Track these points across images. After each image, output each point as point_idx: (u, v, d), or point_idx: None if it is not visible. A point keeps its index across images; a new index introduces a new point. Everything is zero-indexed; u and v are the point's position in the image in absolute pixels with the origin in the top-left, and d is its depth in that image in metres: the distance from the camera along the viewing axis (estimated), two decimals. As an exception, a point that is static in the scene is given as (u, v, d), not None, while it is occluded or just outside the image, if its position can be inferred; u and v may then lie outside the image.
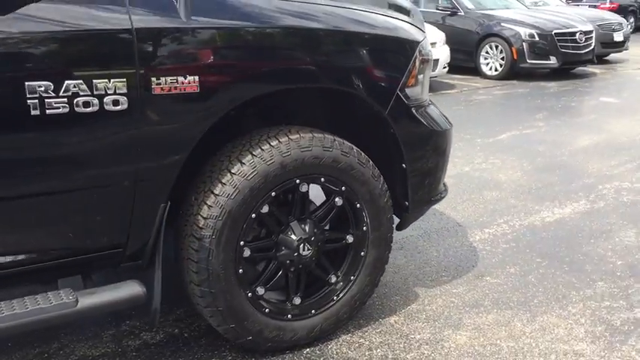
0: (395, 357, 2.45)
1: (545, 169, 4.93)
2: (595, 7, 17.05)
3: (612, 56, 12.44)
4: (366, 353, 2.47)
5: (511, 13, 10.40)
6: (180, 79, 1.98)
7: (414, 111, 2.57)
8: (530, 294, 2.95)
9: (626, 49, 12.31)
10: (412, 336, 2.60)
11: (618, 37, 11.76)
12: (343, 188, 2.41)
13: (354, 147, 2.41)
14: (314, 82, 2.30)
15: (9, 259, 1.96)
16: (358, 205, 2.47)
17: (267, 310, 2.37)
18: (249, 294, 2.32)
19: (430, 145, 2.67)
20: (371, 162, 2.46)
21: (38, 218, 1.94)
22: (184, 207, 2.24)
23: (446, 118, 2.84)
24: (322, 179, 2.36)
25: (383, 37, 2.46)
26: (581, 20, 10.51)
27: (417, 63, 2.55)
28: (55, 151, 1.89)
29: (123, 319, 2.68)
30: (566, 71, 10.51)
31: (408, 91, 2.52)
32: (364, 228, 2.51)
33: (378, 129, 2.54)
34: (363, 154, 2.44)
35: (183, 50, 2.00)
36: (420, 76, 2.60)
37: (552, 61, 9.81)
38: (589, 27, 10.24)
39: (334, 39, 2.31)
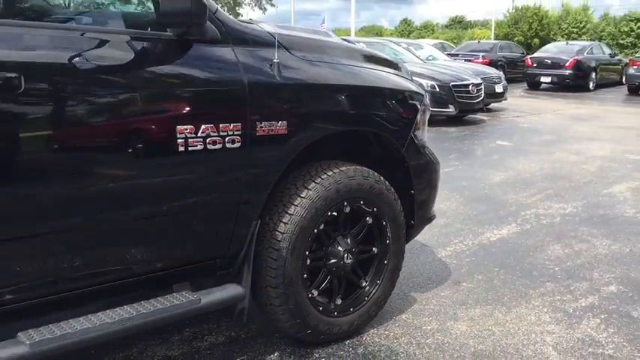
0: (417, 342, 3.10)
1: (475, 200, 5.83)
2: (470, 61, 18.91)
3: (493, 105, 14.00)
4: (394, 341, 3.11)
5: (412, 67, 11.59)
6: (275, 123, 2.59)
7: (420, 148, 3.30)
8: (500, 293, 3.72)
9: (505, 99, 13.92)
10: (424, 327, 3.27)
11: (499, 88, 13.32)
12: (375, 209, 3.07)
13: (381, 177, 3.09)
14: (363, 126, 2.98)
15: (144, 267, 2.44)
16: (384, 223, 3.13)
17: (320, 308, 2.96)
18: (309, 295, 2.90)
19: (430, 175, 3.41)
20: (392, 188, 3.15)
21: (168, 234, 2.45)
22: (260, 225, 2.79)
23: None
24: (361, 202, 3.01)
25: (402, 92, 3.19)
26: (470, 74, 11.90)
27: (422, 111, 3.30)
28: (190, 178, 2.42)
29: (182, 327, 3.15)
30: (460, 118, 11.81)
31: (417, 133, 3.26)
32: (387, 241, 3.18)
33: (395, 162, 3.23)
34: (387, 182, 3.12)
35: (276, 101, 2.62)
36: (422, 122, 3.35)
37: (450, 109, 11.05)
38: (479, 80, 11.63)
39: (374, 94, 3.02)
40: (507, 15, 72.21)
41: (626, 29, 65.66)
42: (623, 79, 21.94)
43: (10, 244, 2.04)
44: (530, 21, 65.04)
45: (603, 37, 64.04)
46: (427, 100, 3.42)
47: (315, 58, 2.85)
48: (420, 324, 3.30)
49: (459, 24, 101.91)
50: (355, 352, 2.99)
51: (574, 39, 59.05)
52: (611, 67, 22.08)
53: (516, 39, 58.15)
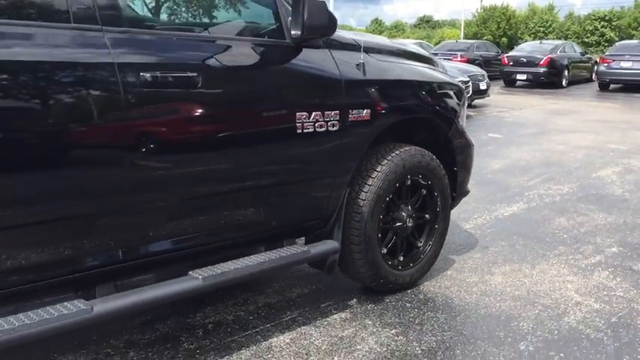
0: (465, 290, 3.80)
1: (482, 184, 6.56)
2: (449, 60, 19.72)
3: (477, 102, 14.82)
4: (446, 290, 3.80)
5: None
6: (361, 111, 3.26)
7: (461, 132, 4.00)
8: (522, 255, 4.44)
9: (488, 96, 14.76)
10: (467, 280, 3.97)
11: (483, 85, 14.14)
12: (429, 182, 3.76)
13: (434, 155, 3.79)
14: (421, 114, 3.67)
15: (267, 226, 3.10)
16: (435, 194, 3.82)
17: (389, 263, 3.64)
18: (381, 251, 3.58)
19: (468, 155, 4.11)
20: (441, 165, 3.84)
21: (285, 199, 3.11)
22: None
23: (469, 138, 4.29)
24: (419, 176, 3.69)
25: (449, 85, 3.89)
26: (458, 72, 12.68)
27: (463, 102, 4.00)
28: (303, 154, 3.09)
29: (271, 283, 3.81)
30: (449, 114, 12.55)
31: (459, 119, 3.96)
32: (437, 209, 3.87)
33: (441, 144, 3.93)
34: (437, 160, 3.81)
35: (363, 93, 3.30)
36: (463, 110, 4.05)
37: (442, 105, 11.78)
38: (467, 78, 12.42)
39: (432, 87, 3.71)
40: (476, 15, 73.77)
41: (590, 28, 67.58)
42: (593, 76, 23.04)
43: (199, 202, 2.69)
44: (499, 20, 66.61)
45: (569, 36, 65.80)
46: (466, 93, 4.12)
47: (385, 59, 3.54)
48: (463, 277, 4.00)
49: (427, 23, 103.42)
50: (417, 297, 3.68)
51: (541, 38, 60.64)
52: (581, 64, 23.16)
53: (485, 38, 59.56)
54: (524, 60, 20.91)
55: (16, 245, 2.23)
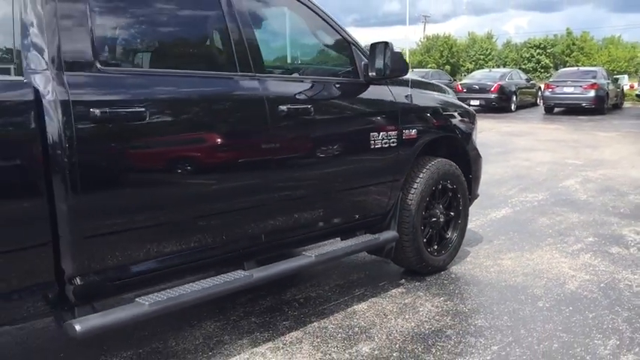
0: (484, 270, 4.83)
1: (470, 195, 7.66)
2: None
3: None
4: (470, 270, 4.83)
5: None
6: (411, 131, 4.30)
7: (475, 146, 5.08)
8: (520, 245, 5.51)
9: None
10: (484, 264, 5.01)
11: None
12: (454, 186, 4.81)
13: (455, 164, 4.84)
14: (449, 132, 4.73)
15: (344, 221, 4.06)
16: (458, 196, 4.87)
17: (428, 250, 4.65)
18: (423, 241, 4.59)
19: (479, 164, 5.19)
20: (462, 173, 4.90)
21: (361, 198, 4.10)
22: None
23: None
24: (448, 182, 4.74)
25: (467, 110, 4.98)
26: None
27: (475, 122, 5.09)
28: (374, 164, 4.09)
29: (332, 274, 4.76)
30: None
31: (473, 136, 5.04)
32: (460, 208, 4.91)
33: (461, 156, 4.98)
34: (459, 168, 4.87)
35: (412, 117, 4.33)
36: (475, 129, 5.13)
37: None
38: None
39: (455, 111, 4.78)
40: (420, 44, 76.51)
41: (527, 55, 71.16)
42: (538, 101, 24.88)
43: (291, 203, 3.62)
44: (442, 49, 69.48)
45: (507, 63, 69.07)
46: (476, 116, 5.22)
47: (423, 91, 4.59)
48: (480, 262, 5.04)
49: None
50: (450, 277, 4.70)
51: (481, 65, 63.42)
52: (527, 90, 24.98)
53: (429, 66, 62.00)
54: (477, 87, 22.51)
55: (207, 230, 3.15)
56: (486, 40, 73.55)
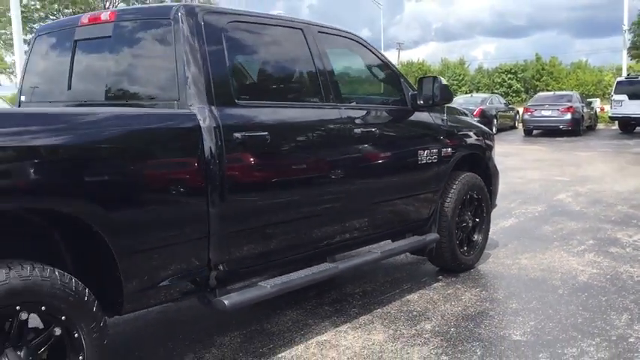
0: (506, 268, 5.65)
1: (476, 208, 8.52)
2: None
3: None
4: (493, 268, 5.64)
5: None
6: (447, 149, 5.13)
7: (494, 162, 5.94)
8: (533, 248, 6.35)
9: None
10: (504, 262, 5.83)
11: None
12: (480, 196, 5.64)
13: (480, 177, 5.67)
14: (476, 150, 5.57)
15: (398, 225, 4.86)
16: (483, 204, 5.70)
17: (460, 250, 5.46)
18: (457, 242, 5.41)
19: (498, 178, 6.03)
20: (485, 185, 5.73)
21: (411, 205, 4.91)
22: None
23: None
24: (475, 192, 5.56)
25: (487, 131, 5.84)
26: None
27: (493, 140, 5.95)
28: (421, 177, 4.90)
29: (378, 273, 5.54)
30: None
31: (492, 153, 5.90)
32: (484, 215, 5.74)
33: (483, 170, 5.82)
34: (483, 181, 5.70)
35: (448, 137, 5.17)
36: (493, 147, 5.99)
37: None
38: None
39: (478, 131, 5.63)
40: (395, 70, 77.66)
41: (499, 80, 73.10)
42: (516, 124, 26.08)
43: (372, 208, 4.42)
44: (416, 75, 71.05)
45: (480, 88, 70.91)
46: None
47: (455, 116, 5.44)
48: (502, 262, 5.86)
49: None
50: (479, 274, 5.50)
51: (455, 91, 64.92)
52: (506, 114, 26.18)
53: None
54: (460, 111, 23.54)
55: (305, 230, 3.93)
56: (459, 66, 75.49)
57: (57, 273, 2.66)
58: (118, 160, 2.91)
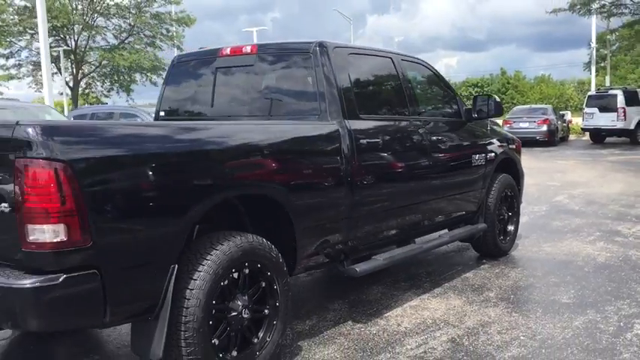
0: (534, 253, 6.76)
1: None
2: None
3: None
4: (526, 254, 6.73)
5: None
6: (491, 154, 6.24)
7: (521, 165, 7.06)
8: (551, 239, 7.47)
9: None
10: (532, 249, 6.93)
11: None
12: (512, 193, 6.74)
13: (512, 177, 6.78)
14: (509, 155, 6.68)
15: (453, 217, 5.93)
16: (515, 201, 6.80)
17: (499, 238, 6.54)
18: (496, 231, 6.49)
19: (524, 178, 7.15)
20: (515, 184, 6.85)
21: (465, 200, 5.98)
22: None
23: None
24: (509, 190, 6.66)
25: (516, 139, 6.96)
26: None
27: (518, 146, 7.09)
28: (473, 176, 5.98)
29: (414, 267, 6.60)
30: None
31: (520, 158, 7.03)
32: (515, 209, 6.85)
33: (513, 172, 6.92)
34: (514, 180, 6.81)
35: (491, 144, 6.27)
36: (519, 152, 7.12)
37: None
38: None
39: (509, 139, 6.75)
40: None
41: (466, 93, 75.26)
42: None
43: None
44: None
45: (448, 101, 72.75)
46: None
47: (493, 126, 6.55)
48: (529, 249, 6.96)
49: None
50: (514, 258, 6.59)
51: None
52: (484, 126, 27.54)
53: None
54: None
55: (402, 215, 4.96)
56: (427, 80, 77.45)
57: (265, 241, 3.64)
58: (300, 158, 3.93)
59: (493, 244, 6.39)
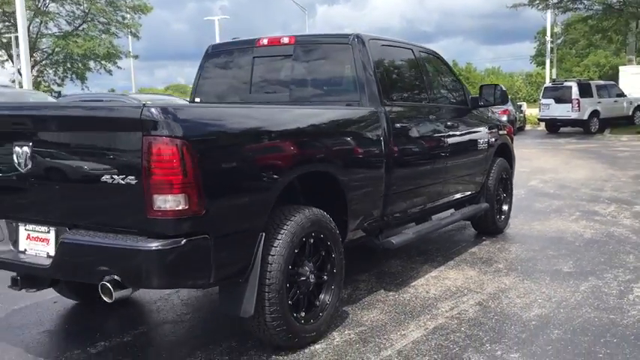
0: (528, 231, 7.36)
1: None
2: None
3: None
4: (520, 232, 7.30)
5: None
6: (492, 139, 6.78)
7: (513, 149, 7.64)
8: (538, 218, 8.07)
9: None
10: (525, 227, 7.52)
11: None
12: (507, 176, 7.31)
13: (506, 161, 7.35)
14: (505, 141, 7.24)
15: (463, 195, 6.46)
16: (509, 182, 7.38)
17: (497, 217, 7.11)
18: (495, 211, 7.06)
19: (515, 162, 7.73)
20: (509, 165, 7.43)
21: (472, 181, 6.50)
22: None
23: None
24: (505, 173, 7.23)
25: (509, 125, 7.53)
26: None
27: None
28: (479, 158, 6.50)
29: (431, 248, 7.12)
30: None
31: (511, 141, 7.61)
32: (509, 190, 7.42)
33: (507, 156, 7.49)
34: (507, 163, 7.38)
35: (493, 129, 6.81)
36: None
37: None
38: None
39: (507, 126, 7.32)
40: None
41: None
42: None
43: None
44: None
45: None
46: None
47: (493, 113, 7.09)
48: (521, 227, 7.53)
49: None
50: (510, 235, 7.15)
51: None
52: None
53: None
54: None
55: (426, 194, 5.44)
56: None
57: (326, 214, 4.05)
58: (351, 139, 4.36)
59: (492, 222, 6.93)
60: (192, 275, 3.23)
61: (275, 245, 3.62)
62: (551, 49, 35.92)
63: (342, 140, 4.29)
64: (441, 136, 5.62)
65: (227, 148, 3.35)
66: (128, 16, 42.35)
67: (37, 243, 3.49)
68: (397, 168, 4.88)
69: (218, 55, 5.50)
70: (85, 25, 41.62)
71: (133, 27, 42.46)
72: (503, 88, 6.30)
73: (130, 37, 43.30)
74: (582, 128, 25.68)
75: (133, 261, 3.08)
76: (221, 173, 3.26)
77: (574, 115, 24.79)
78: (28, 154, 3.36)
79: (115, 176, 3.09)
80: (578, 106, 24.63)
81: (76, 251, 3.22)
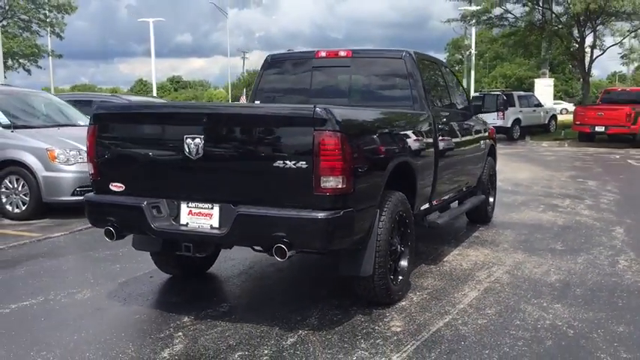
0: (517, 217, 8.59)
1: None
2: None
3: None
4: (504, 221, 8.49)
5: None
6: (487, 140, 7.97)
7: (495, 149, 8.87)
8: (512, 210, 9.31)
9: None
10: (515, 216, 8.74)
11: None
12: (493, 173, 8.52)
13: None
14: (493, 141, 8.45)
15: (467, 187, 7.60)
16: (494, 178, 8.59)
17: (487, 208, 8.30)
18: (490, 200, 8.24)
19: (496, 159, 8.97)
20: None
21: (474, 174, 7.64)
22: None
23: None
24: (492, 169, 8.43)
25: (488, 125, 8.75)
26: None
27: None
28: (480, 154, 7.66)
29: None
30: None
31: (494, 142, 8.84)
32: (494, 184, 8.64)
33: (494, 156, 8.69)
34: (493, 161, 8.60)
35: (486, 132, 8.00)
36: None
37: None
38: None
39: (487, 126, 8.52)
40: (241, 78, 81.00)
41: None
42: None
43: (457, 177, 7.03)
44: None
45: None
46: (492, 133, 9.00)
47: (485, 118, 8.27)
48: (502, 217, 8.72)
49: (177, 84, 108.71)
50: (497, 223, 8.34)
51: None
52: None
53: (253, 101, 65.92)
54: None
55: (451, 184, 6.50)
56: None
57: (402, 195, 5.01)
58: (419, 135, 5.35)
59: (484, 211, 8.10)
60: (343, 240, 4.12)
61: (382, 220, 4.54)
62: (461, 60, 38.24)
63: (415, 136, 5.26)
64: (461, 135, 6.69)
65: (365, 141, 4.28)
66: (52, 14, 41.45)
67: (200, 217, 4.25)
68: (441, 159, 5.90)
69: (277, 64, 6.35)
70: (4, 22, 40.41)
71: (57, 26, 41.58)
72: (505, 97, 7.45)
73: (49, 35, 42.40)
74: (505, 135, 27.75)
75: (306, 227, 3.93)
76: (361, 160, 4.17)
77: (499, 123, 26.73)
78: (201, 145, 4.13)
79: (288, 162, 3.93)
80: (503, 115, 26.65)
81: (254, 221, 4.04)
